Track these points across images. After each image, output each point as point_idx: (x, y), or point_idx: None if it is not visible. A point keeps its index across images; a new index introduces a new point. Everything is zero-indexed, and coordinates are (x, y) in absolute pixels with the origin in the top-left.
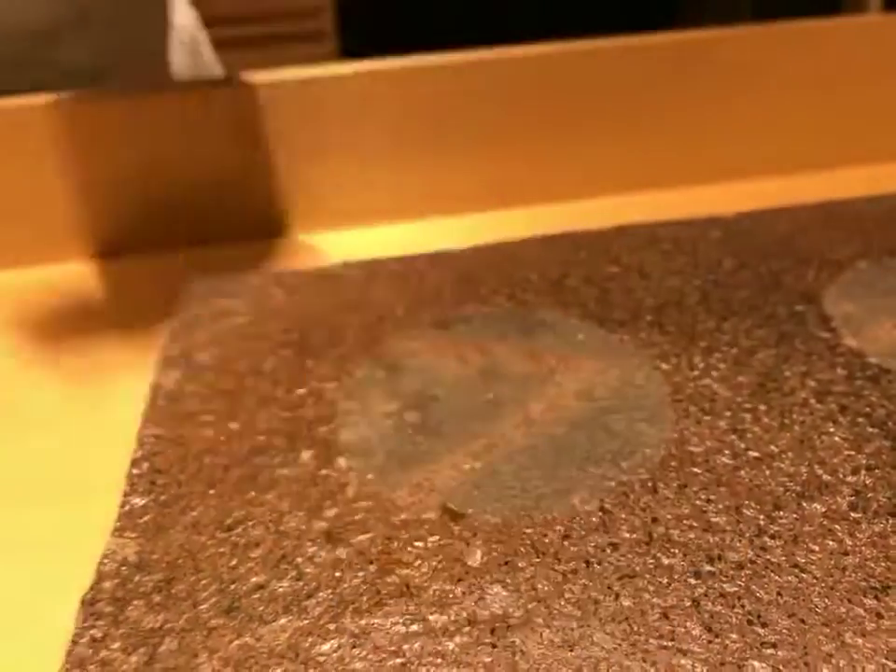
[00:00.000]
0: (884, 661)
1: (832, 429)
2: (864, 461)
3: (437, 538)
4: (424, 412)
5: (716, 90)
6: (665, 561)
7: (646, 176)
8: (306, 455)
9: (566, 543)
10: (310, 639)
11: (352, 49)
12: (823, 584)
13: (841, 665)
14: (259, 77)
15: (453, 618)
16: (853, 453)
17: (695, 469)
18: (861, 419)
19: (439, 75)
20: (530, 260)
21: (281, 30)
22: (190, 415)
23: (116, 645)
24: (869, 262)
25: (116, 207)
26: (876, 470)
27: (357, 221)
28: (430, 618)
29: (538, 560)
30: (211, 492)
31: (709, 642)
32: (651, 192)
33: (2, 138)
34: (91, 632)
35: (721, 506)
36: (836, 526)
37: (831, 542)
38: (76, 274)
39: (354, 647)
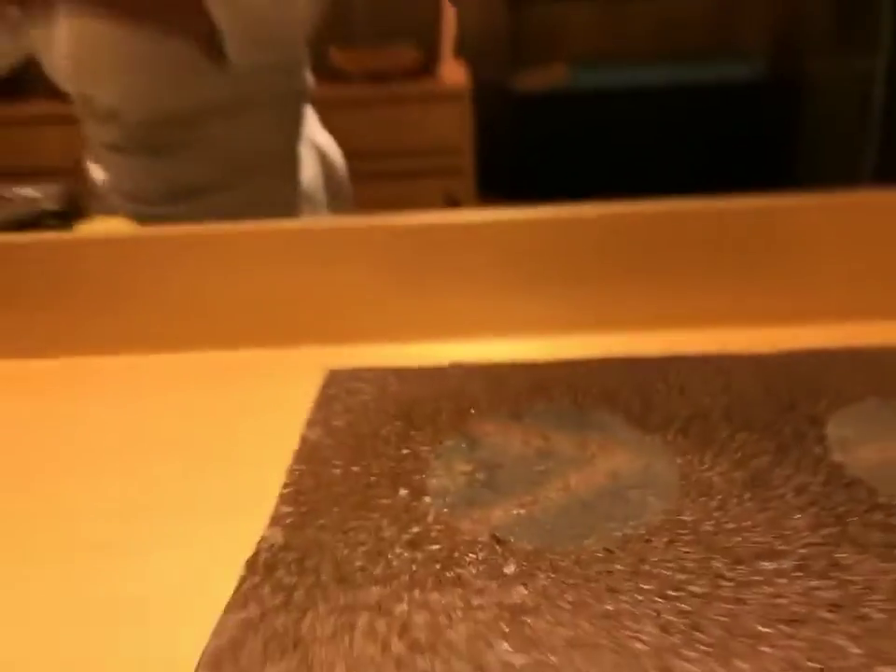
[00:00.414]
0: (783, 664)
1: (797, 517)
2: (815, 541)
3: (485, 553)
4: (489, 474)
5: (774, 251)
6: (643, 586)
7: (707, 316)
8: (403, 492)
9: (575, 567)
10: (390, 602)
11: (488, 187)
12: (752, 613)
13: (747, 665)
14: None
15: (487, 602)
16: (808, 533)
17: (682, 531)
18: (823, 512)
19: (547, 224)
20: (594, 374)
21: (420, 165)
22: (325, 459)
23: (266, 590)
24: (878, 399)
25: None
26: (823, 547)
27: (463, 335)
28: (472, 601)
29: (553, 575)
30: (335, 509)
31: (660, 637)
32: (707, 330)
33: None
34: (252, 580)
35: (695, 557)
36: (778, 579)
37: (769, 588)
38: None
39: (418, 609)
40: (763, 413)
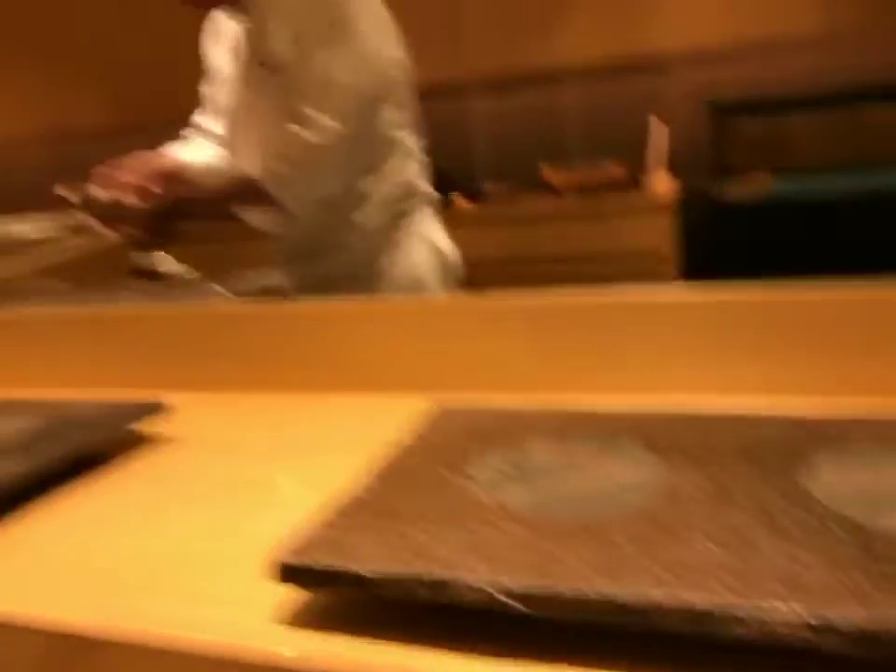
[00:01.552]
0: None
1: (737, 513)
2: (740, 526)
3: (490, 514)
4: (519, 471)
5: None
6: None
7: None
8: (449, 474)
9: (549, 526)
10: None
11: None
12: (658, 563)
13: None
14: None
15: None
16: (741, 522)
17: (638, 517)
18: (763, 512)
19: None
20: (654, 423)
21: (627, 271)
22: (412, 453)
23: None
24: (878, 448)
25: None
26: (741, 530)
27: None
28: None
29: (530, 530)
30: (405, 482)
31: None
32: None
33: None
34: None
35: (638, 532)
36: (696, 546)
37: (684, 550)
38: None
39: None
40: (766, 453)
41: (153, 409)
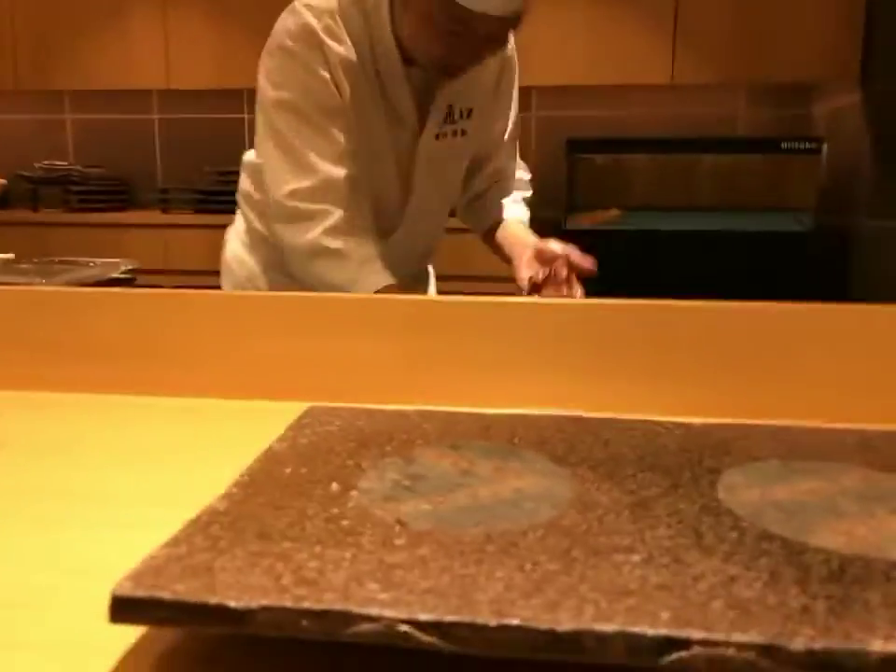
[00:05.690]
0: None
1: (661, 529)
2: (668, 545)
3: (384, 530)
4: (413, 482)
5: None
6: (505, 560)
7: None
8: (335, 486)
9: (454, 543)
10: (292, 552)
11: None
12: (588, 584)
13: (565, 615)
14: None
15: (372, 559)
16: (665, 540)
17: (557, 530)
18: (686, 529)
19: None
20: (533, 425)
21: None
22: (281, 462)
23: (198, 538)
24: (778, 462)
25: None
26: (673, 550)
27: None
28: (359, 557)
29: (434, 547)
30: (276, 493)
31: (503, 593)
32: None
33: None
34: (188, 530)
35: (559, 546)
36: (623, 566)
37: (613, 572)
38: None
39: (313, 558)
40: (670, 462)
41: None
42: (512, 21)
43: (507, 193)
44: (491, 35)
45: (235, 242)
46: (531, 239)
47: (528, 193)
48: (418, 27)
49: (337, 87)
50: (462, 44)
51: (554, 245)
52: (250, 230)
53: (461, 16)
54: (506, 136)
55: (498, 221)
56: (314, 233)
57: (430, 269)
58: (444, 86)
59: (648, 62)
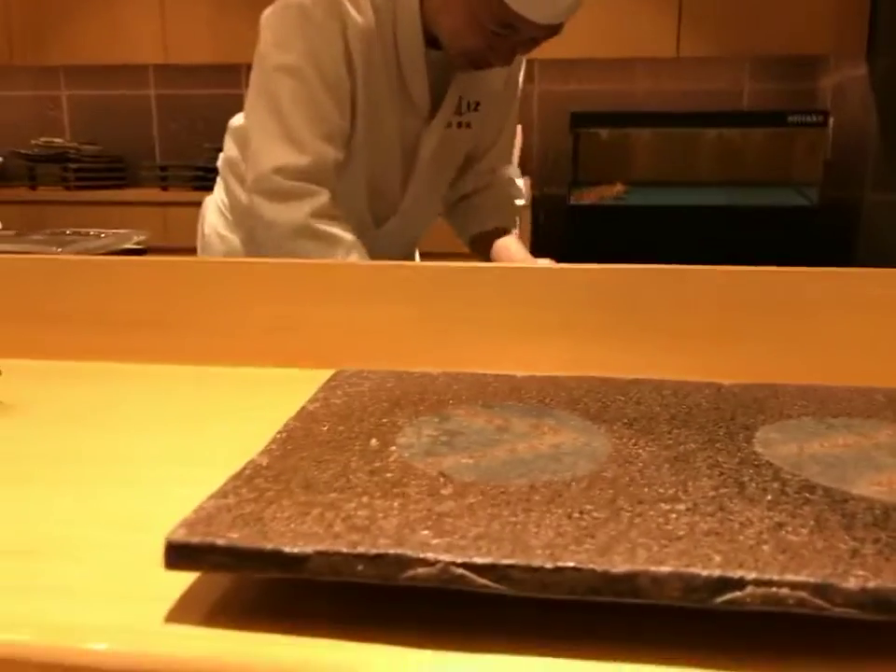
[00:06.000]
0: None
1: (704, 480)
2: (712, 494)
3: (429, 482)
4: (450, 438)
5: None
6: (554, 509)
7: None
8: (374, 442)
9: (500, 494)
10: (341, 502)
11: None
12: (638, 530)
13: (620, 558)
14: None
15: (420, 508)
16: (710, 490)
17: (600, 481)
18: (729, 480)
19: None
20: (564, 386)
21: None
22: (317, 420)
23: (244, 490)
24: (812, 419)
25: None
26: (717, 499)
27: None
28: (408, 506)
29: (480, 497)
30: (316, 449)
31: (554, 538)
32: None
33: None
34: (234, 483)
35: (604, 497)
36: (670, 514)
37: (660, 519)
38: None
39: (362, 507)
40: (703, 420)
41: None
42: (557, 28)
43: (499, 202)
44: (534, 39)
45: (215, 214)
46: (521, 255)
47: (521, 201)
48: (461, 22)
49: (351, 59)
50: (502, 44)
51: (543, 263)
52: (233, 201)
53: (511, 22)
54: (501, 136)
55: (486, 231)
56: (301, 213)
57: (416, 253)
58: (459, 76)
59: (653, 35)
